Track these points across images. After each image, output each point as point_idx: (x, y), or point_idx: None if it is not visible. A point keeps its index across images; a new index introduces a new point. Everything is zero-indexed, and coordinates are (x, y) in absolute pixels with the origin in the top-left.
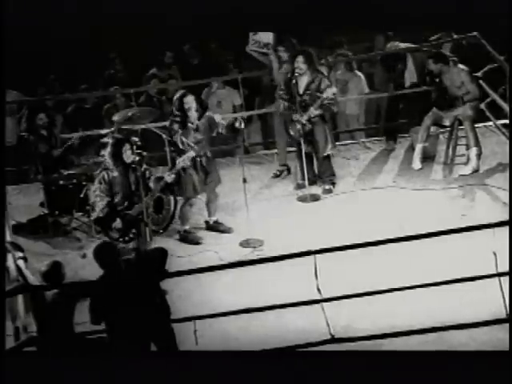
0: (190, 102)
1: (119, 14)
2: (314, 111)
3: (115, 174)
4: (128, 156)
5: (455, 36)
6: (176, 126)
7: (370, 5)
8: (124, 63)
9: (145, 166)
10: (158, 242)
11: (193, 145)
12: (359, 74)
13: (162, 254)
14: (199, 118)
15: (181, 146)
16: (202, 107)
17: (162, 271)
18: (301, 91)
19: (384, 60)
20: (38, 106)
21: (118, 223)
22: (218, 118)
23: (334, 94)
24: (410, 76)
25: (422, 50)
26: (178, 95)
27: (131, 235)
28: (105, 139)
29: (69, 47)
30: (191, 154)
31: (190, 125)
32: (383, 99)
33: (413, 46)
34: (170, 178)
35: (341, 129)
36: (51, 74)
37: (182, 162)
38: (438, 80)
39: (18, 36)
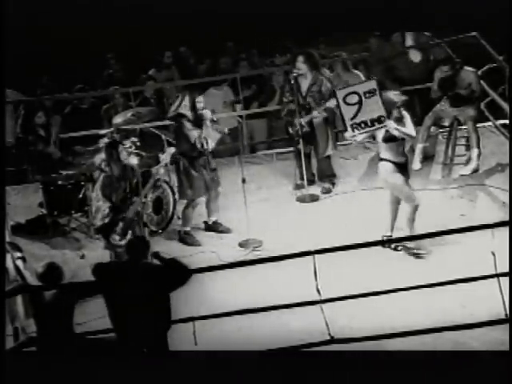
0: (202, 100)
1: (118, 14)
2: (317, 114)
3: (113, 176)
4: (125, 157)
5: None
6: (189, 125)
7: (369, 5)
8: (122, 63)
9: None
10: (157, 243)
11: (213, 144)
12: (356, 72)
13: (185, 274)
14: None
15: (199, 145)
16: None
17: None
18: (303, 93)
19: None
20: (36, 106)
21: (119, 227)
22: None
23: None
24: (414, 55)
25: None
26: (188, 97)
27: (128, 237)
28: (103, 140)
29: (67, 47)
30: (171, 150)
31: (208, 123)
32: None
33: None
34: (160, 174)
35: (341, 129)
36: (49, 74)
37: (165, 158)
38: (444, 81)
39: (17, 36)
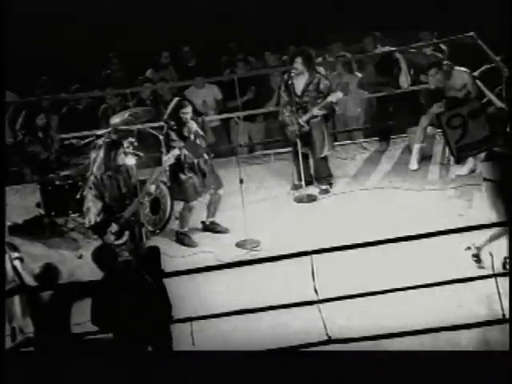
0: (189, 111)
1: (118, 14)
2: (318, 111)
3: (104, 176)
4: (122, 158)
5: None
6: (173, 135)
7: (366, 4)
8: (122, 63)
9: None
10: (155, 243)
11: (194, 158)
12: (359, 75)
13: (156, 252)
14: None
15: (182, 158)
16: (197, 113)
17: (158, 270)
18: (299, 92)
19: (379, 65)
20: (37, 107)
21: (113, 227)
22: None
23: (338, 98)
24: (406, 79)
25: (416, 50)
26: (173, 105)
27: (125, 237)
28: (101, 140)
29: (66, 47)
30: (176, 152)
31: (191, 136)
32: (374, 100)
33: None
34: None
35: (339, 129)
36: (48, 74)
37: (168, 160)
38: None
39: (16, 36)
